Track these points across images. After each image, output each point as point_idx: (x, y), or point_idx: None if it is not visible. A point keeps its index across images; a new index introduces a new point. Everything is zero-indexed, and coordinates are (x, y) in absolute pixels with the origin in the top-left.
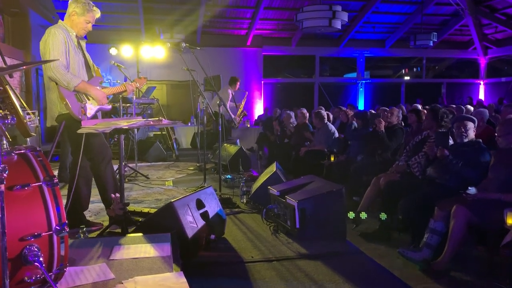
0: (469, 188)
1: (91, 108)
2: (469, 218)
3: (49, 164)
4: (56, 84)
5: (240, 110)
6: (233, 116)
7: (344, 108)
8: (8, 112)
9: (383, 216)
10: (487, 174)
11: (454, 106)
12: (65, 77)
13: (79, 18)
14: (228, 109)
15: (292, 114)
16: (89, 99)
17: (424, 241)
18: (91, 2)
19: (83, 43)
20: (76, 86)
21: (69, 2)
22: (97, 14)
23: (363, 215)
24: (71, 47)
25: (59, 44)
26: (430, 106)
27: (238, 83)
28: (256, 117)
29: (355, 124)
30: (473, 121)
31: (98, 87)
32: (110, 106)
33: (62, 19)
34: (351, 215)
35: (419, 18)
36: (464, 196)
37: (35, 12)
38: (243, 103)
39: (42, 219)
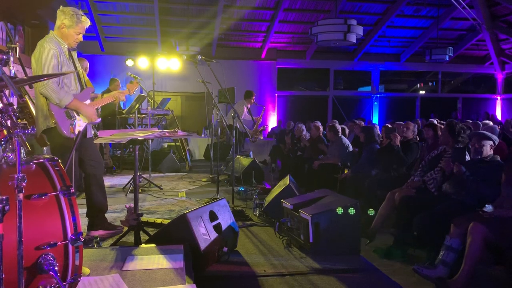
0: (486, 205)
1: (80, 125)
2: (487, 235)
3: (66, 174)
4: (46, 99)
5: (256, 125)
6: (247, 129)
7: (358, 122)
8: (26, 122)
9: (371, 212)
10: None
11: (470, 121)
12: (58, 95)
13: (68, 31)
14: (243, 124)
15: (303, 127)
16: (79, 115)
17: (439, 258)
18: (79, 12)
19: (74, 54)
20: (68, 104)
21: (57, 13)
22: (87, 23)
23: (371, 212)
24: (63, 61)
25: (51, 59)
26: (447, 121)
27: (254, 97)
28: (269, 130)
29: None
30: (491, 138)
31: (89, 100)
32: (99, 119)
33: None
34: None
35: (434, 32)
36: (481, 213)
37: (55, 24)
38: (260, 117)
39: (58, 228)
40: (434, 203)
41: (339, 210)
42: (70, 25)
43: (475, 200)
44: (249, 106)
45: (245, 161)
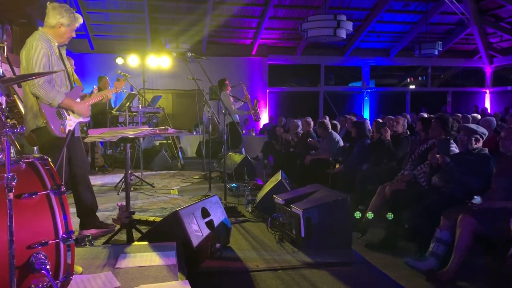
0: (475, 197)
1: (71, 124)
2: (475, 227)
3: (57, 173)
4: (37, 99)
5: (250, 103)
6: (247, 111)
7: (349, 117)
8: (16, 122)
9: (370, 215)
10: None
11: (459, 115)
12: (50, 95)
13: (66, 29)
14: (237, 110)
15: (299, 122)
16: (69, 114)
17: (430, 251)
18: (71, 9)
19: (63, 51)
20: (60, 103)
21: (48, 11)
22: (80, 20)
23: (370, 215)
24: (53, 59)
25: (42, 58)
26: (438, 115)
27: (227, 81)
28: (261, 126)
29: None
30: (477, 131)
31: (78, 99)
32: (88, 119)
33: None
34: (357, 214)
35: (423, 27)
36: (470, 205)
37: (43, 23)
38: (247, 94)
39: (49, 227)
40: (424, 196)
41: (357, 215)
42: (69, 23)
43: (463, 192)
44: (229, 92)
45: (237, 158)
